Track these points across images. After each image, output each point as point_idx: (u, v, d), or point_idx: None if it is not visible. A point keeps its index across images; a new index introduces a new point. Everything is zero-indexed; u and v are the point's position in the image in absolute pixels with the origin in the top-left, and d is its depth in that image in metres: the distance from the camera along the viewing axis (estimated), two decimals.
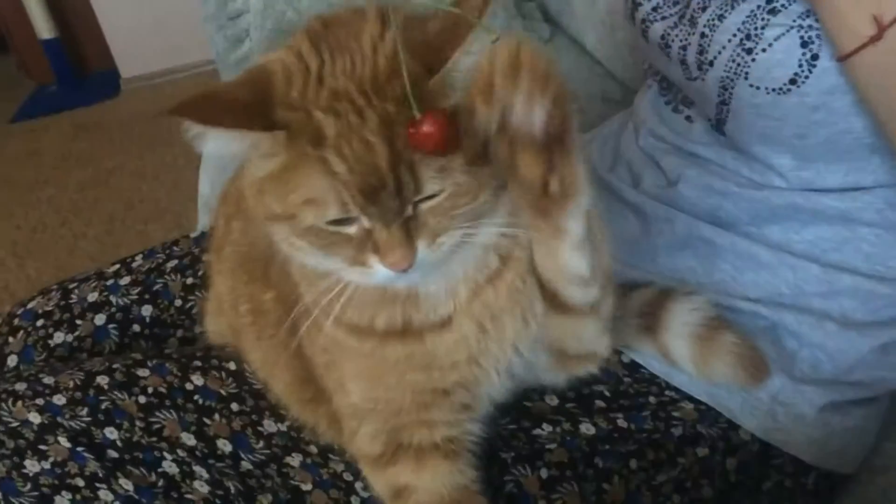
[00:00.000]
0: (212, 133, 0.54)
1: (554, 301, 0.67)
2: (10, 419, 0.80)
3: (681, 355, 0.82)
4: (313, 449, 0.82)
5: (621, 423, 0.80)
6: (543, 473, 0.78)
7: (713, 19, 0.79)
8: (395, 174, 0.53)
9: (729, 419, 0.82)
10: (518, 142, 0.55)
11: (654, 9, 0.89)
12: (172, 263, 1.03)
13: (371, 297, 0.65)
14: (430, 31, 0.56)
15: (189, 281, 1.01)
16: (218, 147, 0.55)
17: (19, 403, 0.81)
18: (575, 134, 0.57)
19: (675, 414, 0.81)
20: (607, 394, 0.83)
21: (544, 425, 0.80)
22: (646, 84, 1.02)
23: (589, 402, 0.82)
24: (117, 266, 1.04)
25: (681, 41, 0.84)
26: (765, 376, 0.80)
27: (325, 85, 0.55)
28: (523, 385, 0.78)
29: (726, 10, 0.78)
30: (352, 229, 0.57)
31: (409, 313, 0.66)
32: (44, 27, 3.31)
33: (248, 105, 0.55)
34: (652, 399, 0.83)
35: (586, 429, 0.80)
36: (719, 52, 0.79)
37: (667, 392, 0.83)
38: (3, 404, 0.81)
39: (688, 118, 0.91)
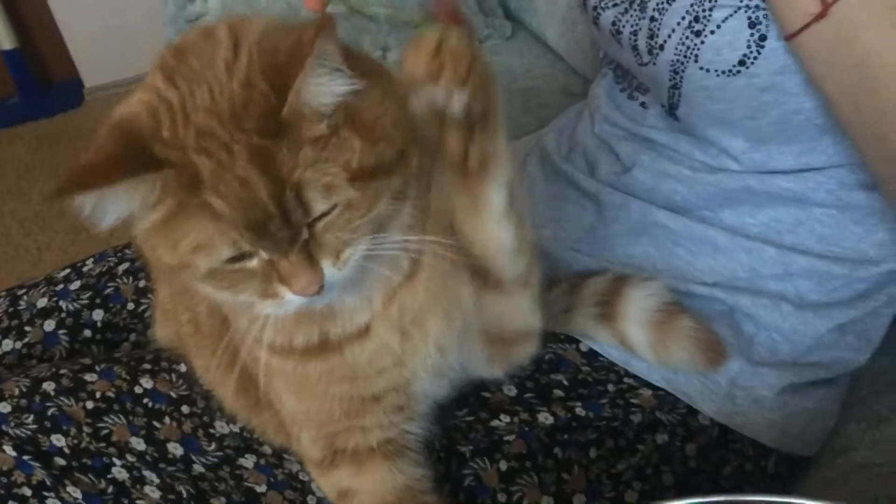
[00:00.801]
0: (108, 196, 0.51)
1: (486, 279, 0.67)
2: None
3: (638, 342, 0.81)
4: (267, 450, 0.80)
5: (580, 411, 0.79)
6: (502, 466, 0.77)
7: (662, 3, 0.79)
8: (279, 203, 0.51)
9: (688, 405, 0.81)
10: (445, 121, 0.58)
11: None
12: (124, 266, 1.01)
13: (288, 317, 0.62)
14: (281, 50, 0.52)
15: (142, 284, 0.99)
16: (119, 210, 0.52)
17: None
18: (499, 113, 0.61)
19: (634, 401, 0.81)
20: (565, 383, 0.81)
21: (502, 416, 0.79)
22: (601, 72, 1.01)
23: (547, 392, 0.81)
24: (67, 271, 1.01)
25: (631, 27, 0.83)
26: (722, 360, 0.80)
27: (191, 121, 0.52)
28: (460, 382, 0.76)
29: None
30: (252, 263, 0.54)
31: (326, 328, 0.64)
32: (4, 38, 3.25)
33: (126, 153, 0.51)
34: (610, 387, 0.82)
35: (544, 418, 0.78)
36: (669, 36, 0.78)
37: (625, 379, 0.82)
38: None
39: (642, 104, 0.91)
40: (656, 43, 0.79)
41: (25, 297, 0.98)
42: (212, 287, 0.57)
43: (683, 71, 0.78)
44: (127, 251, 1.03)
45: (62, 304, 0.97)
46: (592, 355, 0.84)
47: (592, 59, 1.52)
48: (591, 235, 0.90)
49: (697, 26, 0.76)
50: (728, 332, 0.82)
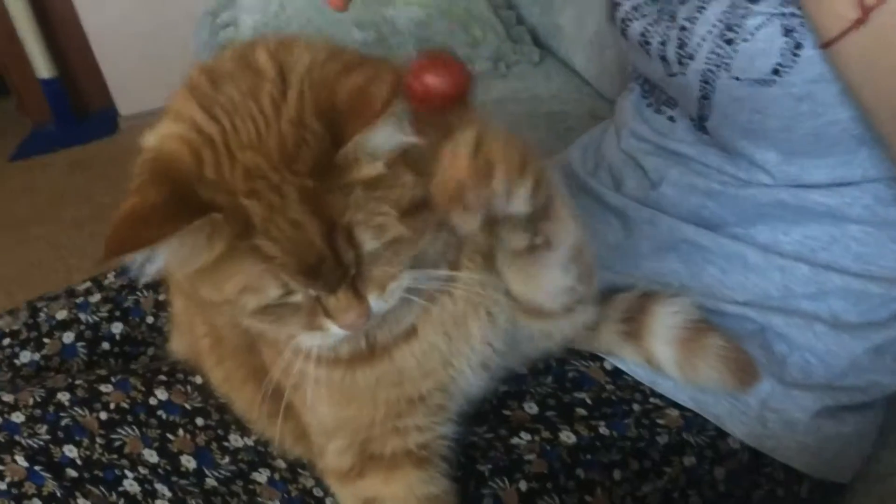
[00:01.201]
0: (160, 251, 0.49)
1: (532, 311, 0.67)
2: None
3: (665, 360, 0.78)
4: (281, 464, 0.78)
5: (603, 430, 0.76)
6: (522, 486, 0.74)
7: (693, 12, 0.77)
8: (332, 246, 0.50)
9: (717, 426, 0.78)
10: (505, 225, 0.57)
11: (634, 7, 0.87)
12: (145, 280, 1.00)
13: None
14: (339, 96, 0.51)
15: (161, 297, 0.98)
16: (169, 259, 0.50)
17: None
18: (559, 197, 0.59)
19: (660, 421, 0.77)
20: (589, 401, 0.79)
21: (522, 434, 0.76)
22: (628, 87, 1.00)
23: (569, 410, 0.78)
24: (88, 284, 1.01)
25: (660, 37, 0.82)
26: (753, 380, 0.77)
27: (237, 161, 0.50)
28: (503, 372, 0.76)
29: (706, 2, 0.76)
30: (298, 297, 0.54)
31: (372, 333, 0.64)
32: (43, 67, 3.33)
33: (173, 200, 0.49)
34: (636, 406, 0.79)
35: (566, 437, 0.76)
36: (699, 45, 0.76)
37: (651, 399, 0.79)
38: None
39: (670, 118, 0.89)
40: (686, 52, 0.78)
41: (45, 310, 0.98)
42: (256, 322, 0.56)
43: (714, 80, 0.76)
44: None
45: (82, 316, 0.97)
46: (617, 373, 0.81)
47: (620, 83, 1.51)
48: (616, 252, 0.88)
49: (729, 34, 0.74)
50: (759, 352, 0.79)
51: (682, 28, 0.78)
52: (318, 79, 0.52)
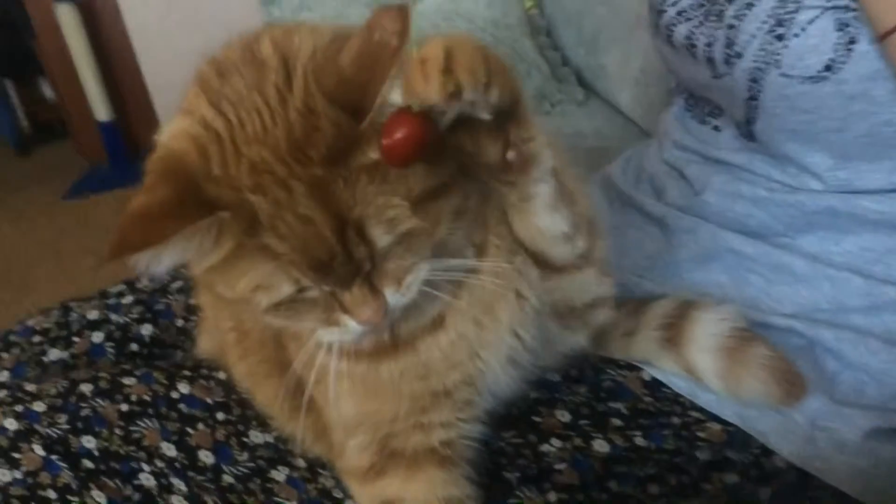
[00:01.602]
0: (165, 251, 0.48)
1: (545, 264, 0.63)
2: None
3: (707, 370, 0.74)
4: (301, 463, 0.75)
5: (639, 441, 0.72)
6: (552, 497, 0.70)
7: (741, 9, 0.76)
8: (342, 241, 0.49)
9: (762, 444, 0.73)
10: (475, 130, 0.53)
11: (679, 13, 0.86)
12: (177, 284, 1.00)
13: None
14: (343, 66, 0.49)
15: (192, 301, 0.97)
16: (175, 259, 0.50)
17: None
18: (525, 104, 0.55)
19: (701, 435, 0.73)
20: (625, 412, 0.75)
21: (553, 440, 0.72)
22: (671, 102, 0.98)
23: (604, 420, 0.74)
24: (122, 286, 1.01)
25: (706, 38, 0.80)
26: (801, 394, 0.72)
27: (243, 155, 0.49)
28: (533, 371, 0.72)
29: None
30: (313, 293, 0.52)
31: (397, 326, 0.62)
32: (101, 110, 3.44)
33: (179, 199, 0.48)
34: (675, 419, 0.74)
35: (599, 446, 0.72)
36: (748, 43, 0.74)
37: (691, 412, 0.75)
38: None
39: (715, 128, 0.87)
40: (734, 51, 0.76)
41: (77, 309, 0.98)
42: (272, 318, 0.55)
43: (763, 79, 0.74)
44: (182, 269, 1.02)
45: (112, 317, 0.96)
46: (655, 385, 0.77)
47: None
48: (656, 262, 0.85)
49: (780, 30, 0.72)
50: (808, 368, 0.74)
51: (730, 26, 0.77)
52: (320, 62, 0.50)
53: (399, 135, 0.46)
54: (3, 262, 2.95)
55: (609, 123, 1.77)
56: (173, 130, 0.52)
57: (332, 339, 0.57)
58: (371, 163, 0.49)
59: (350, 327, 0.54)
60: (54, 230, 3.18)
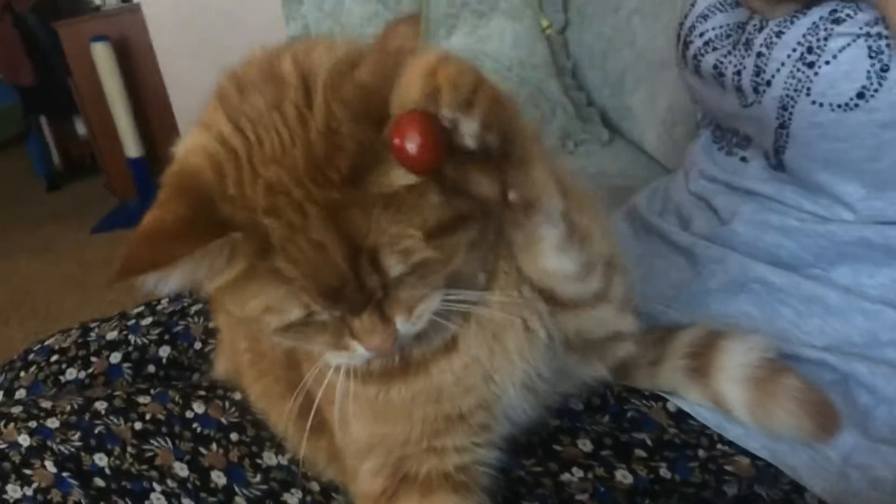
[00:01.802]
0: (174, 272, 0.47)
1: (554, 301, 0.60)
2: None
3: (735, 401, 0.72)
4: (315, 486, 0.73)
5: (664, 473, 0.70)
6: None
7: (771, 37, 0.75)
8: (355, 269, 0.48)
9: (792, 479, 0.70)
10: (466, 163, 0.49)
11: (706, 43, 0.86)
12: (197, 307, 0.99)
13: None
14: (362, 78, 0.48)
15: (211, 325, 0.97)
16: (184, 280, 0.49)
17: (11, 425, 0.76)
18: (526, 142, 0.51)
19: (729, 468, 0.70)
20: (649, 443, 0.72)
21: (574, 470, 0.70)
22: (697, 134, 0.97)
23: (627, 450, 0.72)
24: (142, 308, 1.01)
25: (735, 66, 0.79)
26: (834, 429, 0.69)
27: (259, 176, 0.47)
28: (552, 398, 0.70)
29: (785, 27, 0.74)
30: (324, 317, 0.51)
31: (407, 349, 0.60)
32: (131, 146, 3.50)
33: (192, 218, 0.47)
34: (701, 452, 0.72)
35: (622, 477, 0.69)
36: (778, 70, 0.74)
37: (719, 446, 0.72)
38: None
39: (742, 159, 0.85)
40: (763, 79, 0.75)
41: (96, 330, 0.98)
42: (282, 339, 0.55)
43: (793, 107, 0.73)
44: (200, 293, 1.02)
45: (131, 338, 0.96)
46: (681, 416, 0.74)
47: None
48: (682, 292, 0.83)
49: (810, 57, 0.71)
50: (841, 402, 0.72)
51: (759, 54, 0.76)
52: (338, 77, 0.49)
53: (410, 131, 0.45)
54: (31, 293, 2.98)
55: (633, 163, 1.77)
56: (190, 144, 0.51)
57: (339, 362, 0.56)
58: (389, 191, 0.47)
59: (358, 353, 0.53)
60: (81, 264, 3.22)
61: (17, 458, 0.73)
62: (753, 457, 0.71)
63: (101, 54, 3.24)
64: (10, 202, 4.32)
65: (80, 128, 4.41)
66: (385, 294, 0.51)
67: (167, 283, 0.48)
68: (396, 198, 0.48)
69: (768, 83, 0.75)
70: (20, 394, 0.92)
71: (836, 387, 0.73)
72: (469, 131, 0.46)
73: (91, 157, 4.19)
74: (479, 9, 1.94)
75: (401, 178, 0.47)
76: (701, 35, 0.88)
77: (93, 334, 0.97)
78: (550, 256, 0.57)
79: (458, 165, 0.48)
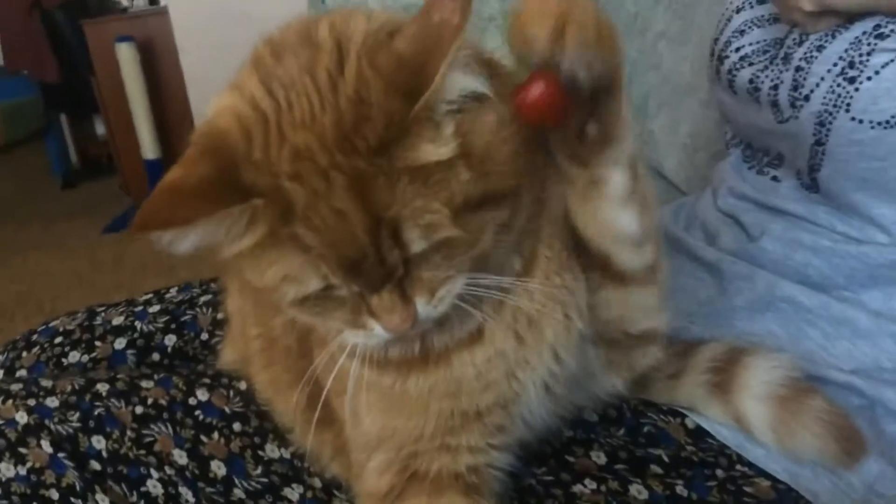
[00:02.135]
0: (192, 231, 0.46)
1: (608, 270, 0.58)
2: None
3: (757, 420, 0.69)
4: (317, 482, 0.71)
5: (681, 490, 0.67)
6: None
7: (811, 51, 0.73)
8: (375, 242, 0.46)
9: None
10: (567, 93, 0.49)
11: (742, 58, 0.84)
12: (206, 298, 0.97)
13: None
14: (399, 48, 0.46)
15: (219, 316, 0.95)
16: (200, 240, 0.47)
17: (9, 402, 0.74)
18: (622, 78, 0.52)
19: (748, 489, 0.67)
20: (666, 459, 0.70)
21: (587, 481, 0.67)
22: (727, 153, 0.95)
23: (642, 465, 0.69)
24: (150, 295, 0.99)
25: (771, 81, 0.78)
26: (860, 454, 0.67)
27: (287, 141, 0.46)
28: (567, 406, 0.67)
29: (826, 41, 0.72)
30: (342, 291, 0.50)
31: (429, 337, 0.58)
32: (149, 148, 3.50)
33: (216, 179, 0.46)
34: (720, 472, 0.69)
35: (637, 492, 0.66)
36: (817, 85, 0.72)
37: (738, 466, 0.70)
38: None
39: (774, 178, 0.83)
40: (801, 94, 0.73)
41: (103, 315, 0.96)
42: (299, 312, 0.53)
43: (831, 123, 0.71)
44: (212, 284, 1.00)
45: (137, 324, 0.94)
46: (699, 434, 0.72)
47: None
48: (706, 308, 0.81)
49: (851, 72, 0.69)
50: (867, 428, 0.69)
51: (798, 69, 0.74)
52: (374, 45, 0.48)
53: (534, 90, 0.46)
54: (38, 289, 2.97)
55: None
56: (220, 106, 0.50)
57: (356, 341, 0.54)
58: (415, 164, 0.46)
59: (376, 332, 0.51)
60: (91, 262, 3.21)
61: (12, 436, 0.72)
62: (774, 479, 0.68)
63: (126, 55, 3.26)
64: (25, 197, 4.33)
65: (100, 127, 4.43)
66: (406, 272, 0.49)
67: (183, 242, 0.47)
68: (423, 171, 0.46)
69: (806, 98, 0.73)
70: (21, 374, 0.91)
71: (862, 412, 0.70)
72: (587, 68, 0.48)
73: (108, 157, 4.21)
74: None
75: (429, 152, 0.46)
76: (737, 50, 0.86)
77: (99, 318, 0.95)
78: (613, 206, 0.55)
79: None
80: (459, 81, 0.47)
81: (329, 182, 0.45)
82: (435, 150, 0.46)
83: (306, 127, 0.46)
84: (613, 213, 0.55)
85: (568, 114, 0.50)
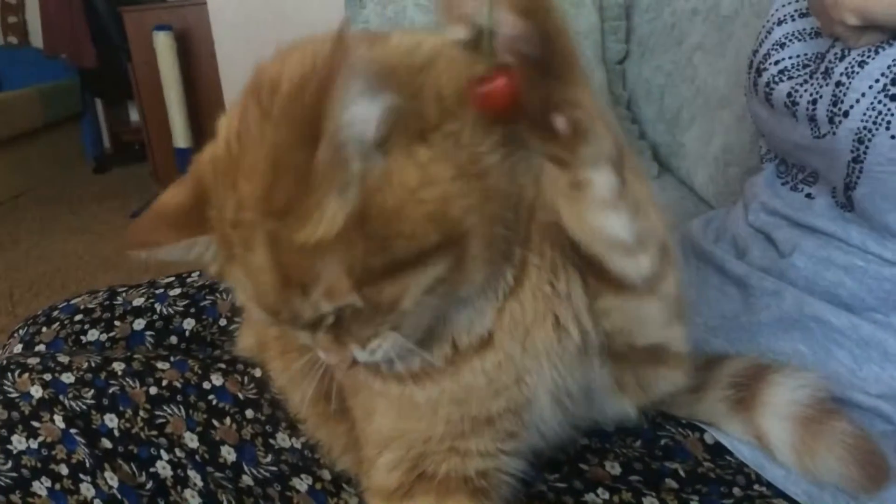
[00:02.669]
0: (164, 252, 0.53)
1: (604, 275, 0.54)
2: (10, 389, 0.73)
3: (779, 439, 0.67)
4: (326, 474, 0.70)
5: None
6: None
7: (852, 67, 0.72)
8: (286, 299, 0.48)
9: None
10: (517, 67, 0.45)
11: (782, 71, 0.82)
12: (226, 284, 0.97)
13: None
14: (309, 94, 0.44)
15: (238, 303, 0.94)
16: (178, 258, 0.53)
17: (25, 375, 0.74)
18: (577, 65, 0.46)
19: None
20: (681, 474, 0.68)
21: (600, 491, 0.66)
22: (760, 167, 0.93)
23: (657, 478, 0.68)
24: (171, 279, 0.99)
25: (811, 95, 0.76)
26: (883, 481, 0.64)
27: (237, 188, 0.47)
28: (580, 419, 0.65)
29: (868, 56, 0.71)
30: None
31: (437, 346, 0.57)
32: (181, 137, 3.52)
33: (188, 209, 0.51)
34: (737, 490, 0.67)
35: None
36: (857, 101, 0.70)
37: (756, 486, 0.68)
38: (9, 374, 0.74)
39: (808, 196, 0.82)
40: (840, 109, 0.71)
41: (124, 295, 0.96)
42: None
43: (870, 140, 0.69)
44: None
45: (157, 306, 0.94)
46: (718, 450, 0.70)
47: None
48: (730, 322, 0.79)
49: (894, 89, 0.67)
50: (892, 455, 0.67)
51: (839, 84, 0.72)
52: (290, 97, 0.46)
53: (493, 84, 0.43)
54: (64, 269, 3.00)
55: (680, 200, 1.73)
56: (219, 130, 0.51)
57: (329, 360, 0.55)
58: (309, 238, 0.45)
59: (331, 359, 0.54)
60: (117, 246, 3.24)
61: (26, 409, 0.72)
62: (792, 501, 0.67)
63: (163, 43, 3.28)
64: (57, 179, 4.39)
65: (133, 114, 4.48)
66: (339, 320, 0.50)
67: (165, 258, 0.53)
68: (321, 241, 0.45)
69: (845, 114, 0.71)
70: (39, 349, 0.91)
71: (887, 438, 0.68)
72: (523, 33, 0.43)
73: (140, 145, 4.24)
74: None
75: (316, 227, 0.44)
76: (776, 63, 0.84)
77: (119, 298, 0.95)
78: (597, 211, 0.50)
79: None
80: (365, 110, 0.44)
81: (253, 237, 0.47)
82: (321, 225, 0.44)
83: (247, 179, 0.47)
84: (600, 216, 0.50)
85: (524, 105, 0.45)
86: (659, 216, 0.54)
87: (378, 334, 0.51)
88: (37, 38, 4.54)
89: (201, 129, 3.56)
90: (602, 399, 0.64)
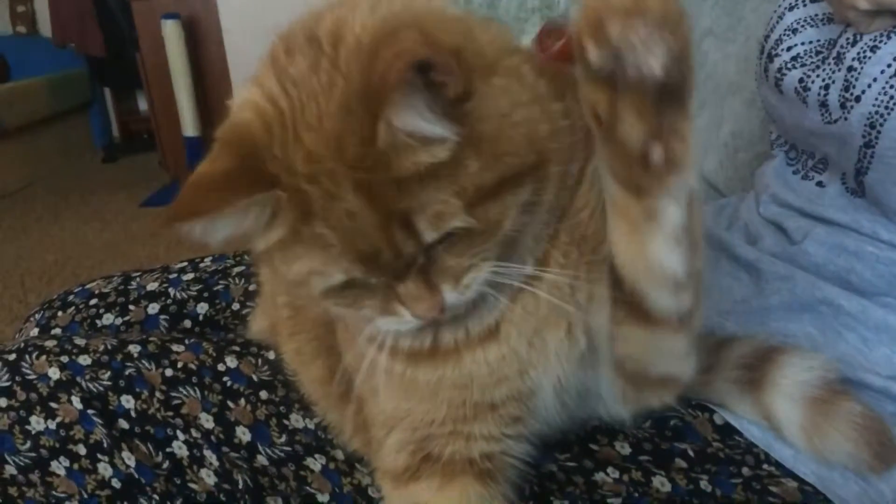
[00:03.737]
0: (219, 220, 0.47)
1: (636, 310, 0.54)
2: (28, 371, 0.74)
3: (788, 419, 0.68)
4: (339, 454, 0.71)
5: (705, 485, 0.66)
6: None
7: (864, 51, 0.72)
8: (388, 236, 0.46)
9: None
10: (624, 93, 0.44)
11: (794, 58, 0.82)
12: (239, 269, 0.98)
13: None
14: (374, 70, 0.44)
15: (251, 287, 0.96)
16: (230, 230, 0.48)
17: (42, 357, 0.75)
18: (692, 91, 0.46)
19: (774, 489, 0.66)
20: (691, 454, 0.69)
21: (609, 470, 0.67)
22: (770, 154, 0.93)
23: (667, 458, 0.68)
24: (185, 263, 1.00)
25: (823, 80, 0.76)
26: (892, 461, 0.65)
27: (301, 141, 0.46)
28: (580, 413, 0.65)
29: (881, 41, 0.71)
30: (372, 280, 0.50)
31: (441, 333, 0.57)
32: (189, 125, 3.53)
33: (240, 170, 0.47)
34: (745, 470, 0.68)
35: (660, 484, 0.66)
36: (869, 86, 0.70)
37: (765, 466, 0.69)
38: (27, 356, 0.75)
39: (819, 184, 0.82)
40: (851, 94, 0.72)
41: (138, 280, 0.97)
42: (330, 303, 0.53)
43: (882, 125, 0.69)
44: (246, 256, 1.01)
45: (171, 290, 0.95)
46: (727, 431, 0.71)
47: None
48: (742, 306, 0.79)
49: None
50: None
51: (850, 69, 0.72)
52: (361, 53, 0.46)
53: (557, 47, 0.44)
54: (75, 257, 3.02)
55: None
56: (243, 99, 0.50)
57: (389, 327, 0.54)
58: (412, 169, 0.45)
59: (406, 318, 0.51)
60: (127, 234, 3.26)
61: (44, 391, 0.73)
62: (801, 481, 0.67)
63: (171, 32, 3.29)
64: (67, 168, 4.41)
65: (142, 103, 4.49)
66: (430, 261, 0.49)
67: (213, 233, 0.48)
68: (426, 170, 0.45)
69: (857, 99, 0.71)
70: (55, 333, 0.92)
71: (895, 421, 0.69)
72: (658, 58, 0.42)
73: (149, 133, 4.26)
74: (550, 14, 1.92)
75: (424, 157, 0.45)
76: (788, 49, 0.84)
77: (134, 283, 0.96)
78: (664, 245, 0.49)
79: (611, 94, 0.44)
80: (419, 118, 0.44)
81: (338, 184, 0.45)
82: (430, 154, 0.45)
83: (314, 129, 0.46)
84: (662, 251, 0.50)
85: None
86: (703, 253, 0.54)
87: (473, 266, 0.50)
88: (46, 28, 4.55)
89: (210, 117, 3.57)
90: (601, 403, 0.65)
